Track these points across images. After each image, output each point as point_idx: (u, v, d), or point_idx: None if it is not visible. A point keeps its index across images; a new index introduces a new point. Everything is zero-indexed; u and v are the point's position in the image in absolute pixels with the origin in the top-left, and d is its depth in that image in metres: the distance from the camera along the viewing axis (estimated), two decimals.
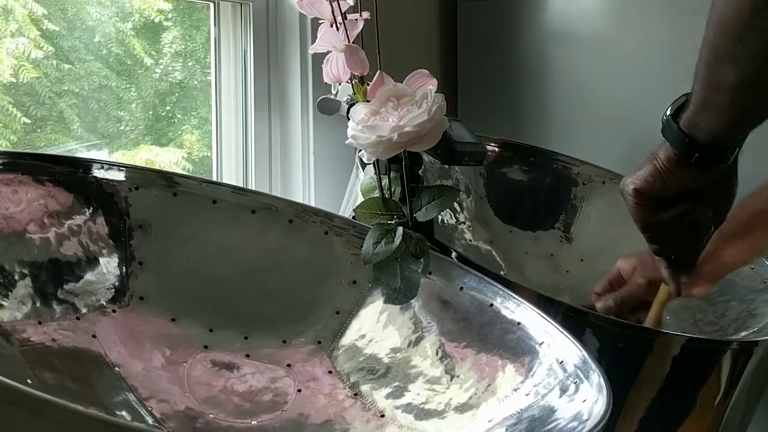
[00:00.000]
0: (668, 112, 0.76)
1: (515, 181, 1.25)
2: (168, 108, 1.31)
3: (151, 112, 1.28)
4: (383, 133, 0.74)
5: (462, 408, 0.72)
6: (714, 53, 0.67)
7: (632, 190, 0.79)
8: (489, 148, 1.18)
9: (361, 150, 0.79)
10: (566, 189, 1.25)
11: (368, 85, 0.79)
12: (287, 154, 1.32)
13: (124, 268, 0.78)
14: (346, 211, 0.98)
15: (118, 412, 0.69)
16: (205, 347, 0.78)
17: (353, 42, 0.78)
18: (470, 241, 1.17)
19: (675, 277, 0.86)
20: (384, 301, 0.81)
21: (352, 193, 1.00)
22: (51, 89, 1.14)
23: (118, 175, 0.80)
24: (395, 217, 0.80)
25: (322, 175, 1.30)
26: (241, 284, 0.82)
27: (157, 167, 1.18)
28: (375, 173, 0.83)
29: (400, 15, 1.38)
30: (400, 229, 0.77)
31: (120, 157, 1.21)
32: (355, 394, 0.77)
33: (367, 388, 0.77)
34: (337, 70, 0.79)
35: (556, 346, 0.71)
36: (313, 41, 0.80)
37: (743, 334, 1.01)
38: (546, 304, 0.79)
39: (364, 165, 0.86)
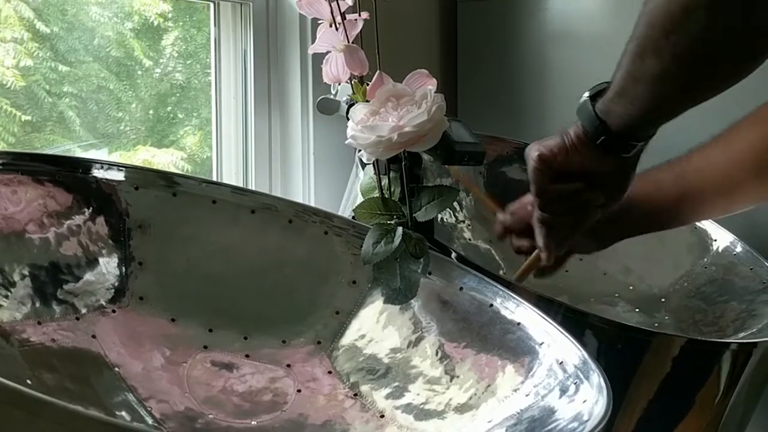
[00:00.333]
0: (587, 95, 0.80)
1: (515, 181, 1.24)
2: (168, 109, 1.31)
3: (151, 112, 1.28)
4: (383, 133, 0.74)
5: (462, 408, 0.72)
6: (640, 46, 0.71)
7: (536, 155, 0.83)
8: (488, 147, 1.18)
9: (360, 150, 0.79)
10: None
11: (368, 85, 0.78)
12: (287, 154, 1.32)
13: (123, 269, 0.78)
14: (345, 211, 0.98)
15: (117, 413, 0.69)
16: (205, 347, 0.78)
17: (353, 42, 0.78)
18: (469, 240, 1.17)
19: (549, 246, 0.89)
20: (384, 301, 0.81)
21: (351, 193, 1.00)
22: (50, 90, 1.14)
23: (118, 175, 0.80)
24: (395, 217, 0.80)
25: (322, 175, 1.30)
26: (241, 284, 0.82)
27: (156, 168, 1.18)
28: (375, 173, 0.83)
29: (399, 15, 1.38)
30: (400, 229, 0.77)
31: (118, 158, 1.21)
32: (355, 395, 0.77)
33: (366, 388, 0.77)
34: (336, 70, 0.79)
35: (556, 347, 0.71)
36: (313, 41, 0.80)
37: (742, 335, 1.01)
38: (546, 304, 0.79)
39: (363, 165, 0.86)
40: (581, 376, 0.67)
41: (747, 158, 0.91)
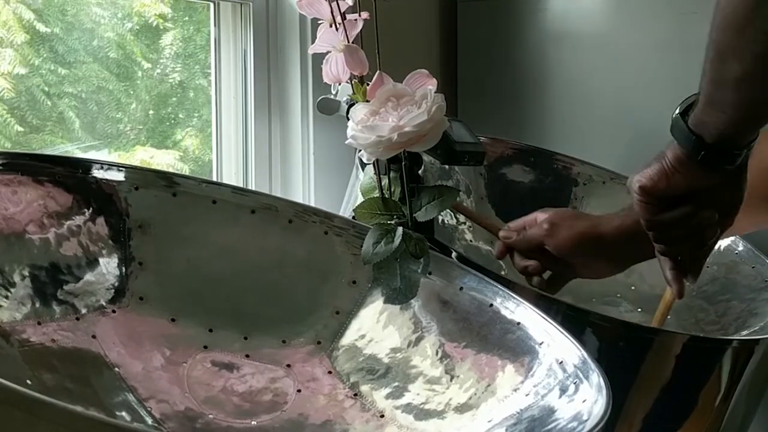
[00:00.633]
0: (677, 111, 0.76)
1: (515, 182, 1.25)
2: (168, 110, 1.31)
3: (151, 113, 1.28)
4: (383, 133, 0.74)
5: (462, 408, 0.72)
6: (717, 51, 0.68)
7: (638, 187, 0.79)
8: (488, 148, 1.18)
9: (360, 150, 0.79)
10: (566, 189, 1.25)
11: (368, 85, 0.78)
12: (287, 154, 1.32)
13: (123, 269, 0.78)
14: (346, 211, 0.98)
15: (117, 413, 0.68)
16: (205, 347, 0.78)
17: (353, 42, 0.78)
18: (471, 241, 1.17)
19: (678, 279, 0.85)
20: (384, 301, 0.81)
21: (352, 194, 1.00)
22: (50, 92, 1.14)
23: (118, 176, 0.80)
24: (395, 217, 0.80)
25: (322, 175, 1.30)
26: (241, 284, 0.82)
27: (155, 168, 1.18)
28: (375, 173, 0.82)
29: (399, 15, 1.38)
30: (400, 229, 0.77)
31: (116, 158, 1.21)
32: (355, 395, 0.77)
33: (366, 388, 0.77)
34: (336, 70, 0.79)
35: (556, 346, 0.71)
36: (313, 41, 0.80)
37: (744, 333, 1.01)
38: (546, 304, 0.79)
39: (363, 165, 0.86)
40: (581, 375, 0.67)
41: (763, 175, 0.88)
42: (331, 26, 0.79)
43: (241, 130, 1.29)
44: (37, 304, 0.71)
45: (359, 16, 0.79)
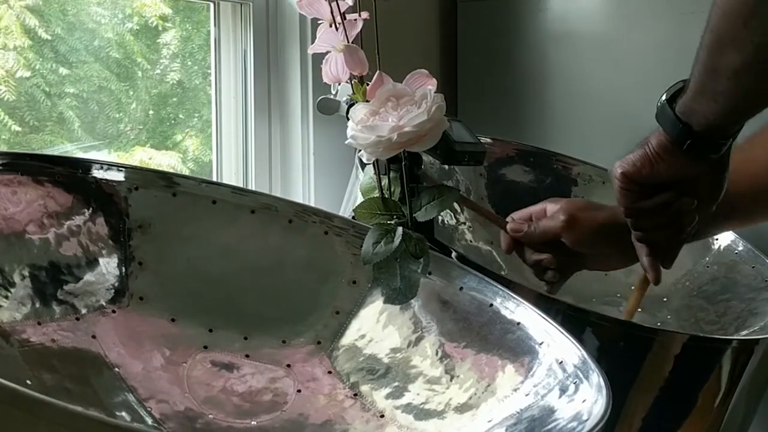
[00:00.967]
0: (663, 98, 0.76)
1: (515, 182, 1.25)
2: (169, 110, 1.31)
3: (151, 113, 1.28)
4: (383, 133, 0.74)
5: (462, 408, 0.72)
6: (716, 38, 0.67)
7: (620, 173, 0.79)
8: (488, 148, 1.18)
9: (360, 150, 0.79)
10: (566, 189, 1.25)
11: (368, 85, 0.78)
12: (287, 154, 1.32)
13: (123, 269, 0.78)
14: (345, 211, 0.98)
15: (117, 413, 0.68)
16: (205, 347, 0.78)
17: (352, 42, 0.78)
18: (470, 241, 1.17)
19: (654, 265, 0.85)
20: (384, 301, 0.81)
21: (351, 194, 1.00)
22: (50, 92, 1.14)
23: (118, 176, 0.80)
24: (395, 217, 0.80)
25: (322, 175, 1.30)
26: (240, 284, 0.82)
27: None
28: (375, 173, 0.82)
29: (399, 15, 1.38)
30: (400, 229, 0.77)
31: (116, 159, 1.21)
32: (355, 395, 0.77)
33: (366, 388, 0.77)
34: (336, 70, 0.79)
35: (556, 346, 0.71)
36: (313, 41, 0.80)
37: (744, 332, 1.01)
38: (546, 304, 0.79)
39: (363, 165, 0.86)
40: (581, 375, 0.67)
41: None
42: (330, 26, 0.79)
43: (241, 130, 1.29)
44: (37, 304, 0.71)
45: (359, 16, 0.79)
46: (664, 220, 0.80)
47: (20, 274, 0.71)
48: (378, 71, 0.78)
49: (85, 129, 1.18)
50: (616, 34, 1.37)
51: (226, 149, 1.29)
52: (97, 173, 0.79)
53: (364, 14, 0.79)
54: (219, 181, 1.25)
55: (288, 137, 1.31)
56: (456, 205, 1.16)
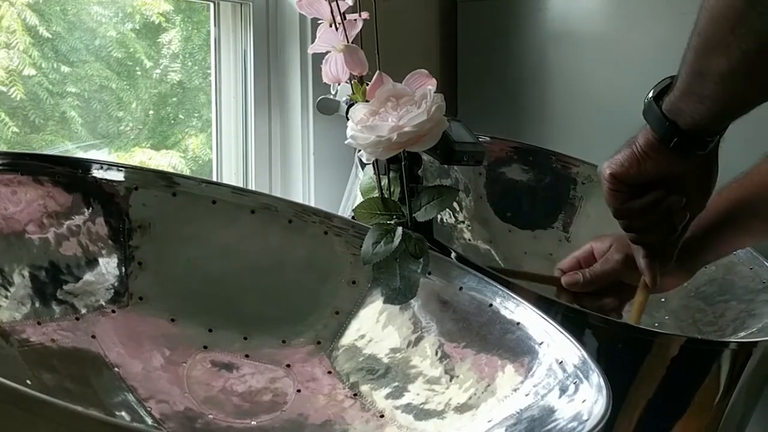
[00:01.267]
0: (650, 95, 0.76)
1: (515, 181, 1.25)
2: (169, 109, 1.31)
3: (151, 113, 1.28)
4: (382, 133, 0.74)
5: (461, 408, 0.72)
6: (704, 42, 0.67)
7: (608, 174, 0.79)
8: (488, 148, 1.19)
9: (360, 150, 0.79)
10: (565, 188, 1.25)
11: (367, 85, 0.79)
12: (287, 154, 1.32)
13: (123, 269, 0.78)
14: (345, 211, 0.98)
15: (117, 413, 0.69)
16: (205, 347, 0.78)
17: (352, 42, 0.78)
18: (469, 240, 1.17)
19: (651, 267, 0.85)
20: (383, 301, 0.81)
21: (351, 193, 1.00)
22: (52, 90, 1.14)
23: (118, 176, 0.80)
24: (394, 217, 0.80)
25: (322, 175, 1.30)
26: (240, 284, 0.82)
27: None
28: (374, 173, 0.83)
29: (399, 15, 1.38)
30: (400, 229, 0.77)
31: (117, 158, 1.21)
32: (355, 395, 0.77)
33: (366, 388, 0.77)
34: (336, 70, 0.79)
35: (556, 347, 0.71)
36: (313, 41, 0.80)
37: (742, 334, 1.01)
38: (545, 304, 0.79)
39: (363, 165, 0.86)
40: (581, 375, 0.67)
41: None
42: (330, 26, 0.79)
43: (241, 130, 1.29)
44: (37, 304, 0.71)
45: (359, 16, 0.79)
46: (654, 219, 0.80)
47: (20, 274, 0.71)
48: (378, 71, 0.78)
49: (87, 128, 1.18)
50: (616, 34, 1.37)
51: (226, 149, 1.29)
52: (97, 173, 0.79)
53: (364, 14, 0.79)
54: (219, 180, 1.25)
55: (288, 137, 1.31)
56: (455, 204, 1.16)
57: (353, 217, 0.84)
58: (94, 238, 0.77)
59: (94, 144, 1.20)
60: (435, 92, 0.76)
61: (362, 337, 0.81)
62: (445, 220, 1.14)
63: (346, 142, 0.78)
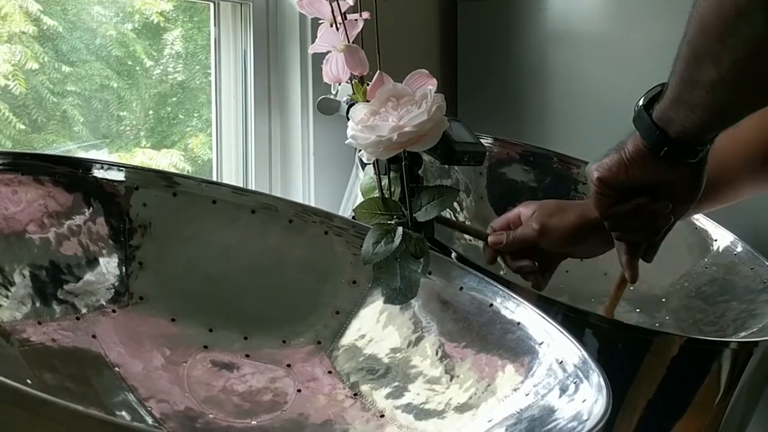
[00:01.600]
0: (641, 102, 0.76)
1: (515, 181, 1.25)
2: (169, 109, 1.32)
3: (151, 113, 1.29)
4: (383, 133, 0.74)
5: (462, 408, 0.72)
6: (693, 51, 0.66)
7: (595, 178, 0.79)
8: (488, 148, 1.19)
9: (360, 150, 0.79)
10: (566, 189, 1.25)
11: (368, 85, 0.79)
12: (287, 154, 1.32)
13: (124, 269, 0.78)
14: (346, 211, 0.98)
15: (117, 412, 0.69)
16: (205, 347, 0.78)
17: (353, 42, 0.78)
18: (470, 241, 1.17)
19: (632, 264, 0.86)
20: (384, 301, 0.81)
21: (352, 193, 1.00)
22: (53, 89, 1.14)
23: (118, 175, 0.80)
24: (395, 217, 0.80)
25: (322, 175, 1.30)
26: (241, 284, 0.82)
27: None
28: (375, 173, 0.83)
29: (400, 15, 1.38)
30: (400, 229, 0.78)
31: (118, 158, 1.21)
32: (355, 394, 0.77)
33: (366, 388, 0.77)
34: (336, 70, 0.79)
35: (556, 346, 0.71)
36: (313, 41, 0.80)
37: (743, 334, 1.01)
38: (546, 304, 0.79)
39: (363, 165, 0.86)
40: (581, 375, 0.67)
41: (753, 147, 0.88)
42: (331, 26, 0.79)
43: (241, 130, 1.29)
44: (38, 304, 0.71)
45: (360, 15, 0.79)
46: (639, 223, 0.81)
47: (20, 274, 0.71)
48: (378, 71, 0.78)
49: (88, 127, 1.18)
50: (616, 34, 1.37)
51: (226, 149, 1.29)
52: (98, 173, 0.79)
53: (365, 14, 0.79)
54: (219, 181, 1.25)
55: (288, 137, 1.32)
56: (456, 205, 1.16)
57: (354, 217, 0.84)
58: (94, 238, 0.77)
59: (95, 144, 1.20)
60: (435, 92, 0.76)
61: (362, 337, 0.81)
62: None
63: (346, 142, 0.78)
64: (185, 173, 1.24)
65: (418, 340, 0.79)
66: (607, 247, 0.93)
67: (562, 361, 0.70)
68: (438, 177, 1.13)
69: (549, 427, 0.63)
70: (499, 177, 1.24)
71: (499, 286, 0.79)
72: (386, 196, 0.82)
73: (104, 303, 0.76)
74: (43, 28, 1.11)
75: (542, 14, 1.43)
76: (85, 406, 0.39)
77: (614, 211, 0.81)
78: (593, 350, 0.78)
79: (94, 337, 0.73)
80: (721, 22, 0.62)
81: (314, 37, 0.80)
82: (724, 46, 0.63)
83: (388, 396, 0.76)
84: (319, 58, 0.80)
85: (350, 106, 0.83)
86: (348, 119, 0.79)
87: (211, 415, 0.73)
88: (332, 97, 0.91)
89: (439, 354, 0.77)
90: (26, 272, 0.72)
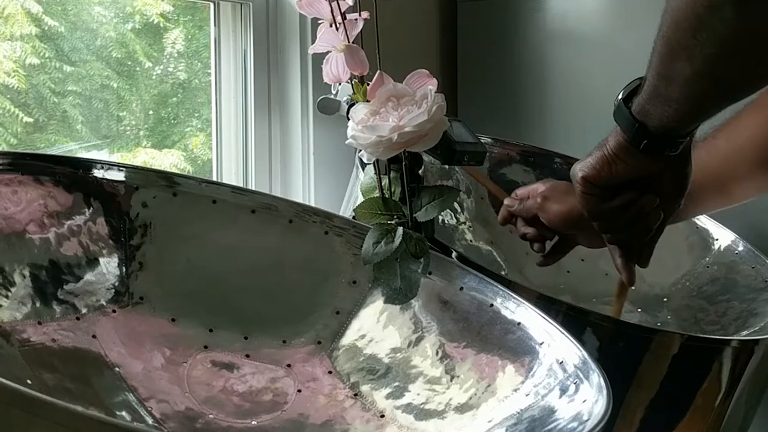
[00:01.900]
0: (620, 96, 0.76)
1: (515, 182, 1.24)
2: (170, 109, 1.32)
3: (151, 113, 1.29)
4: (383, 133, 0.74)
5: (462, 408, 0.72)
6: (667, 46, 0.67)
7: (580, 178, 0.79)
8: (489, 148, 1.19)
9: (361, 150, 0.79)
10: None
11: (368, 85, 0.78)
12: (287, 154, 1.32)
13: (124, 269, 0.78)
14: (346, 211, 0.98)
15: (118, 413, 0.69)
16: (205, 347, 0.78)
17: (353, 42, 0.78)
18: (471, 241, 1.17)
19: (628, 267, 0.86)
20: (384, 301, 0.81)
21: (352, 193, 1.00)
22: (54, 89, 1.14)
23: (118, 175, 0.80)
24: (395, 217, 0.80)
25: (322, 175, 1.30)
26: (241, 284, 0.82)
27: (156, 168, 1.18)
28: (375, 173, 0.83)
29: (399, 15, 1.38)
30: (400, 229, 0.77)
31: (119, 158, 1.21)
32: (355, 395, 0.77)
33: (367, 388, 0.77)
34: (336, 70, 0.79)
35: (556, 347, 0.71)
36: (313, 41, 0.80)
37: (744, 333, 1.01)
38: (546, 304, 0.79)
39: (364, 165, 0.86)
40: (581, 375, 0.67)
41: (748, 148, 0.89)
42: (331, 26, 0.79)
43: (241, 130, 1.29)
44: (38, 304, 0.71)
45: (359, 15, 0.79)
46: (628, 219, 0.81)
47: (21, 274, 0.71)
48: (378, 71, 0.78)
49: (89, 127, 1.18)
50: (616, 34, 1.37)
51: (226, 149, 1.29)
52: (98, 173, 0.79)
53: (365, 14, 0.79)
54: (219, 181, 1.25)
55: (288, 137, 1.31)
56: (456, 205, 1.16)
57: (354, 217, 0.84)
58: (94, 238, 0.77)
59: (97, 144, 1.20)
60: (435, 92, 0.76)
61: (363, 337, 0.81)
62: (446, 221, 1.14)
63: (346, 142, 0.78)
64: (185, 173, 1.24)
65: (419, 340, 0.79)
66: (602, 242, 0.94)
67: (562, 362, 0.70)
68: (439, 178, 1.13)
69: (549, 427, 0.63)
70: (500, 177, 1.24)
71: (500, 286, 0.79)
72: (386, 196, 0.82)
73: (104, 303, 0.76)
74: (44, 28, 1.12)
75: (542, 14, 1.43)
76: (85, 407, 0.39)
77: (602, 209, 0.81)
78: (594, 349, 0.78)
79: (94, 337, 0.73)
80: (694, 17, 0.62)
81: (314, 37, 0.80)
82: (697, 41, 0.63)
83: (388, 396, 0.76)
84: (319, 58, 0.80)
85: (350, 106, 0.82)
86: (348, 119, 0.79)
87: (211, 416, 0.73)
88: (332, 97, 0.91)
89: (440, 354, 0.77)
90: (26, 272, 0.72)
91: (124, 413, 0.69)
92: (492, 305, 0.78)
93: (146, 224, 0.80)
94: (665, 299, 1.14)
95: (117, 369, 0.72)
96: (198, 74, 1.33)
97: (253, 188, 1.25)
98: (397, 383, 0.77)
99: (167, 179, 0.83)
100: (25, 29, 1.09)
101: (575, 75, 1.41)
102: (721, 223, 1.15)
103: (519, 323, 0.75)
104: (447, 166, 1.12)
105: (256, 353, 0.79)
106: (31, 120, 1.11)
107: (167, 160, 1.25)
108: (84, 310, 0.74)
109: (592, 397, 0.63)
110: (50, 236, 0.75)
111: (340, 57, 0.78)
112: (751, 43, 0.62)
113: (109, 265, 0.78)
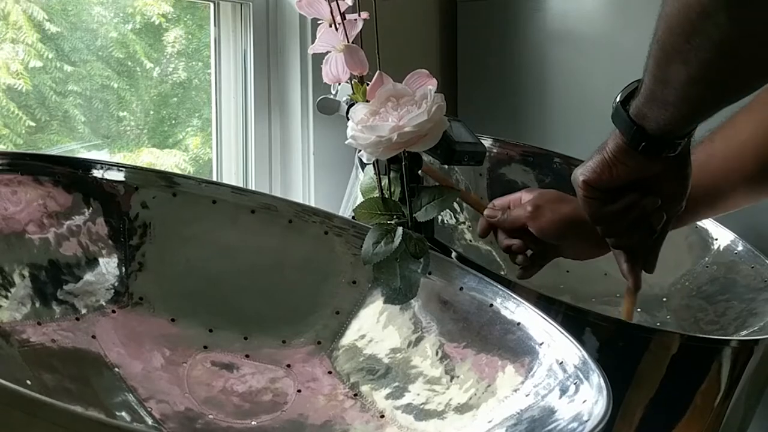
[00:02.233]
0: (618, 99, 0.76)
1: (515, 182, 1.24)
2: (170, 109, 1.32)
3: (152, 113, 1.29)
4: (383, 133, 0.74)
5: (462, 408, 0.72)
6: (663, 50, 0.67)
7: (581, 182, 0.80)
8: (488, 148, 1.19)
9: (360, 150, 0.79)
10: (566, 189, 1.25)
11: (368, 85, 0.78)
12: (287, 154, 1.32)
13: (123, 269, 0.78)
14: (346, 211, 0.98)
15: (117, 413, 0.69)
16: (205, 347, 0.78)
17: (352, 42, 0.78)
18: (470, 241, 1.17)
19: (634, 271, 0.86)
20: (384, 301, 0.81)
21: (351, 194, 1.00)
22: (56, 89, 1.14)
23: (118, 176, 0.80)
24: (395, 217, 0.80)
25: (322, 175, 1.30)
26: (240, 284, 0.82)
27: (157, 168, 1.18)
28: (375, 173, 0.82)
29: (399, 15, 1.38)
30: (400, 229, 0.77)
31: (121, 159, 1.21)
32: (355, 395, 0.77)
33: (366, 388, 0.77)
34: (336, 70, 0.79)
35: (556, 347, 0.71)
36: (313, 41, 0.80)
37: (744, 333, 1.01)
38: (546, 304, 0.79)
39: (363, 165, 0.86)
40: (581, 376, 0.67)
41: (748, 152, 0.89)
42: (330, 26, 0.79)
43: (241, 130, 1.29)
44: (37, 304, 0.71)
45: (359, 16, 0.79)
46: (631, 222, 0.81)
47: (20, 274, 0.71)
48: (378, 71, 0.78)
49: (90, 127, 1.18)
50: (616, 34, 1.37)
51: (226, 149, 1.29)
52: (98, 173, 0.79)
53: (364, 14, 0.79)
54: (219, 181, 1.25)
55: (288, 137, 1.32)
56: (456, 205, 1.16)
57: (353, 217, 0.84)
58: (94, 238, 0.77)
59: (98, 144, 1.20)
60: (435, 92, 0.76)
61: (362, 337, 0.81)
62: (445, 221, 1.14)
63: (346, 142, 0.78)
64: (185, 173, 1.24)
65: (418, 340, 0.79)
66: (597, 250, 0.93)
67: (562, 362, 0.70)
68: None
69: (549, 428, 0.63)
70: (499, 177, 1.24)
71: (499, 287, 0.78)
72: (386, 196, 0.81)
73: (104, 303, 0.76)
74: (45, 28, 1.12)
75: (542, 14, 1.43)
76: (85, 407, 0.39)
77: (604, 212, 0.80)
78: (593, 349, 0.78)
79: (93, 337, 0.73)
80: (687, 22, 0.63)
81: (314, 37, 0.80)
82: (691, 46, 0.63)
83: (388, 396, 0.76)
84: (319, 58, 0.80)
85: (350, 106, 0.82)
86: (348, 119, 0.79)
87: (211, 416, 0.73)
88: (332, 97, 0.91)
89: (439, 354, 0.77)
90: (26, 273, 0.72)
91: (123, 414, 0.69)
92: (492, 305, 0.78)
93: (146, 224, 0.80)
94: (664, 299, 1.14)
95: (117, 369, 0.72)
96: (198, 74, 1.33)
97: (253, 188, 1.25)
98: (396, 383, 0.77)
99: (167, 179, 0.83)
100: (27, 32, 1.09)
101: (575, 75, 1.41)
102: (721, 223, 1.15)
103: (519, 323, 0.75)
104: (447, 167, 1.12)
105: (255, 353, 0.79)
106: (33, 121, 1.11)
107: (170, 160, 1.25)
108: (83, 311, 0.74)
109: (592, 398, 0.63)
110: (50, 236, 0.75)
111: (340, 57, 0.78)
112: (745, 48, 0.62)
113: (109, 266, 0.78)
